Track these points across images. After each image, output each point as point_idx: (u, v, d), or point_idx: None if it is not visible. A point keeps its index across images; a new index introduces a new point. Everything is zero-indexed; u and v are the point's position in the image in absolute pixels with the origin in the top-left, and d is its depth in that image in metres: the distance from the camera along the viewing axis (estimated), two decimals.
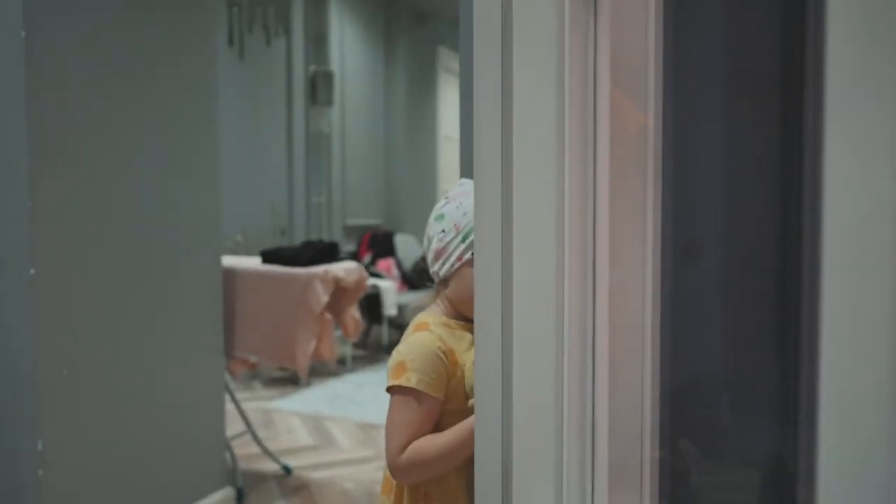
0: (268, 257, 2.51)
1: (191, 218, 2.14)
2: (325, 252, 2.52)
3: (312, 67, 4.89)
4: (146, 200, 1.98)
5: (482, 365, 0.79)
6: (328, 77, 4.93)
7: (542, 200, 0.67)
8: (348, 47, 5.25)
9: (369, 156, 5.62)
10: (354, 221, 5.34)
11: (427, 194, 6.25)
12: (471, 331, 1.10)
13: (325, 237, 4.98)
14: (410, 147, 5.98)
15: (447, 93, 6.59)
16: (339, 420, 3.38)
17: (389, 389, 1.02)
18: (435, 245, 1.08)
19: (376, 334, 5.13)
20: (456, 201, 1.07)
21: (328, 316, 2.36)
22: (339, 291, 2.46)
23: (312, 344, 2.31)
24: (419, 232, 6.00)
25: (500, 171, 0.76)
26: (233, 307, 2.36)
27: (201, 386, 2.22)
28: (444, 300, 1.10)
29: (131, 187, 1.94)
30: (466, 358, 1.02)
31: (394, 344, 4.87)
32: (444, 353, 1.00)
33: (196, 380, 2.20)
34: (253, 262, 2.54)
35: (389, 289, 4.55)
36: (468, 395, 1.01)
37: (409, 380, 0.99)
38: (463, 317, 1.09)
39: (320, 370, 4.30)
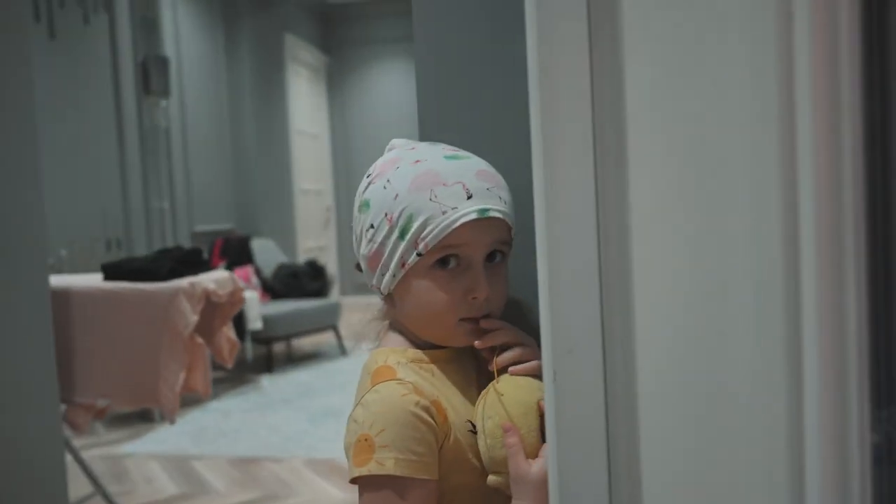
0: (112, 272, 1.99)
1: (4, 231, 1.60)
2: (188, 261, 2.05)
3: (142, 52, 4.24)
4: None
5: (566, 454, 0.47)
6: (162, 63, 4.30)
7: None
8: (183, 30, 4.63)
9: (215, 153, 5.02)
10: (203, 227, 4.73)
11: (282, 194, 5.75)
12: (452, 360, 0.72)
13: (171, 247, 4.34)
14: (261, 143, 5.44)
15: (297, 84, 6.12)
16: (208, 459, 2.87)
17: (354, 481, 0.66)
18: (364, 249, 0.71)
19: (239, 351, 4.58)
20: (382, 178, 0.70)
21: (199, 339, 1.91)
22: (210, 308, 2.01)
23: (181, 376, 1.85)
24: (277, 235, 5.49)
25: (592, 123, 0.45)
26: (69, 339, 1.83)
27: (31, 446, 1.68)
28: (400, 324, 0.75)
29: None
30: (478, 412, 0.68)
31: (259, 362, 4.35)
32: (425, 410, 0.65)
33: (23, 439, 1.66)
34: (92, 280, 2.01)
35: (252, 300, 4.04)
36: (484, 468, 0.67)
37: (383, 463, 0.63)
38: (434, 344, 0.73)
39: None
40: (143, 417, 3.43)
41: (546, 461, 0.63)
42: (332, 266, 6.68)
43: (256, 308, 4.09)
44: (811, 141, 0.36)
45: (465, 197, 0.67)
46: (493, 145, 0.84)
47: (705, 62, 0.38)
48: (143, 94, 4.21)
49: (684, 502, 0.42)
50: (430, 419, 0.66)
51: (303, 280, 4.84)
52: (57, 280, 1.95)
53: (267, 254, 4.97)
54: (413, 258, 0.68)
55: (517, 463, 0.64)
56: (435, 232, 0.66)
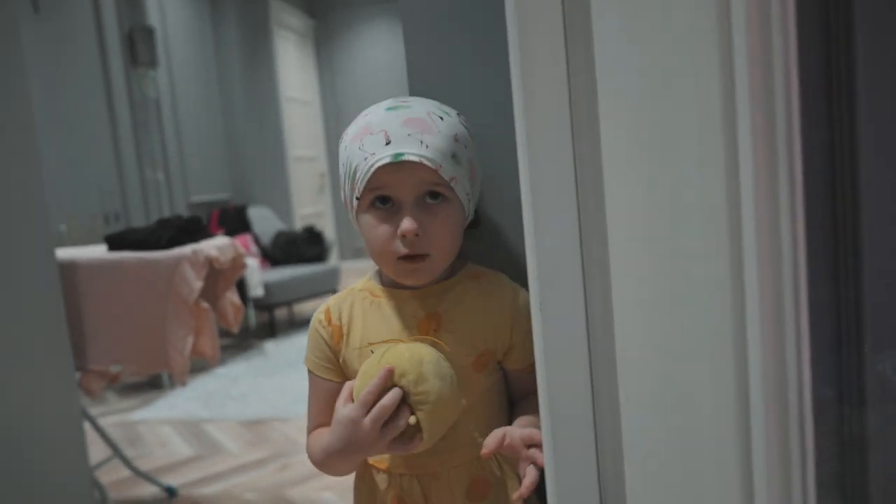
0: (116, 243, 2.03)
1: (6, 206, 1.64)
2: (189, 229, 2.09)
3: (128, 23, 4.20)
4: None
5: (555, 392, 0.53)
6: (148, 33, 4.27)
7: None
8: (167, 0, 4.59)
9: (207, 123, 5.02)
10: (199, 198, 4.76)
11: (275, 162, 5.76)
12: (400, 301, 0.81)
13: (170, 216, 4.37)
14: (252, 111, 5.43)
15: (285, 50, 6.07)
16: (219, 422, 2.96)
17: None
18: (342, 194, 0.83)
19: (242, 318, 4.65)
20: (346, 136, 0.80)
21: (205, 305, 1.96)
22: (213, 274, 2.06)
23: (189, 341, 1.91)
24: (273, 203, 5.52)
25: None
26: (79, 309, 1.88)
27: (49, 414, 1.75)
28: None
29: None
30: (380, 348, 0.76)
31: (263, 328, 4.40)
32: (323, 327, 0.83)
33: (41, 407, 1.72)
34: (97, 251, 2.05)
35: (253, 267, 4.10)
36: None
37: (307, 356, 0.86)
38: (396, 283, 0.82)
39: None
40: (153, 385, 3.52)
41: (351, 410, 0.72)
42: (329, 231, 6.72)
43: (257, 275, 4.15)
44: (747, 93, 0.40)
45: (384, 143, 0.74)
46: (483, 101, 0.88)
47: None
48: (130, 66, 4.19)
49: (653, 403, 0.48)
50: (323, 333, 0.83)
51: (301, 246, 4.88)
52: (63, 253, 1.99)
53: (264, 222, 5.00)
54: (354, 201, 0.77)
55: (339, 398, 0.76)
56: (359, 177, 0.75)
